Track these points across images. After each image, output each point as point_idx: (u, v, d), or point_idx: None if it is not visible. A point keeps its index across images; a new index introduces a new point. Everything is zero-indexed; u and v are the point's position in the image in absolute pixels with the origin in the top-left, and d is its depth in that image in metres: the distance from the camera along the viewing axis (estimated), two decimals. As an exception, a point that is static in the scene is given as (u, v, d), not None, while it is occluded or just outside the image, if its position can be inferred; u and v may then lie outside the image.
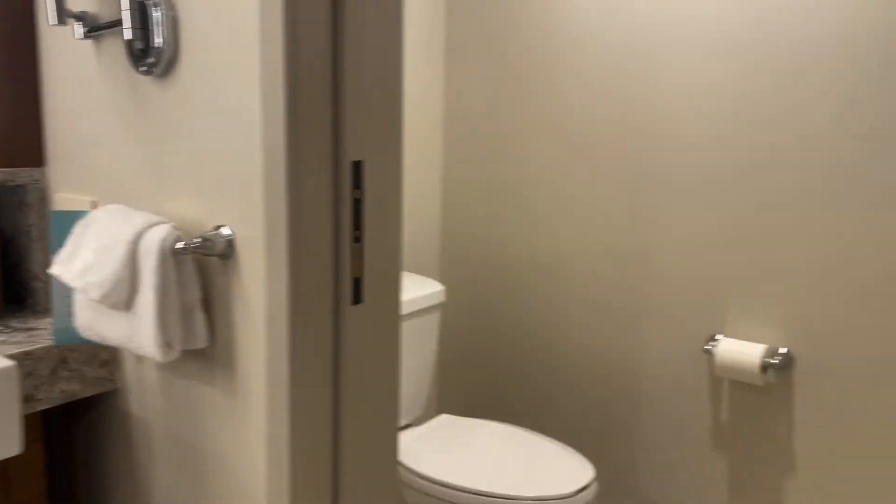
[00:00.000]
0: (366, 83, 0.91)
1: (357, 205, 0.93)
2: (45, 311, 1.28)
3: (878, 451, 1.56)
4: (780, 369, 1.69)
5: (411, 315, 1.83)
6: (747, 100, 1.63)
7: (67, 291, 1.08)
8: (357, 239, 0.93)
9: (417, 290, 1.87)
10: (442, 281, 2.29)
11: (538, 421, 2.12)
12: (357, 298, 0.94)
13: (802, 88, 1.56)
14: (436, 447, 1.73)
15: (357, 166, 0.91)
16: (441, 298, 1.92)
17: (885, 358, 1.54)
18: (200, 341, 1.00)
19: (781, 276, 1.66)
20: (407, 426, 1.90)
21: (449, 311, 2.29)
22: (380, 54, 0.92)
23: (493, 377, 2.21)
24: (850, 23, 1.48)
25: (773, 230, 1.65)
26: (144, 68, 1.01)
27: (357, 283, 0.94)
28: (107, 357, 1.17)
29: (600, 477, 2.01)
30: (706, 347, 1.77)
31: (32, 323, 1.22)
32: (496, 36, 2.04)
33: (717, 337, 1.77)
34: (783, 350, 1.69)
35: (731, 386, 1.78)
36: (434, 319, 1.93)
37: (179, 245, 0.96)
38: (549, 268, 2.02)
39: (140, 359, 1.12)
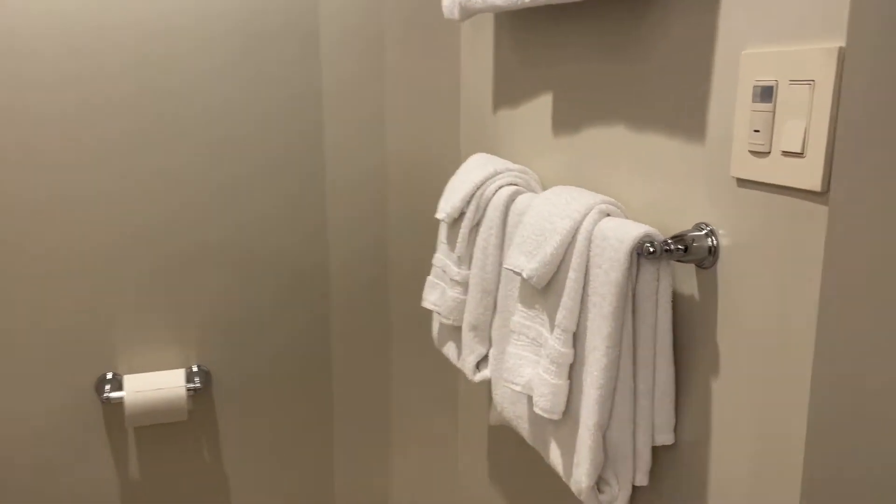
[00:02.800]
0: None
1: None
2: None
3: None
4: (198, 393, 1.48)
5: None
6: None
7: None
8: None
9: None
10: None
11: None
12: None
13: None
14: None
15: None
16: None
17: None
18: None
19: (154, 280, 1.46)
20: None
21: None
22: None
23: None
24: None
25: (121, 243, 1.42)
26: None
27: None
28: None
29: None
30: (106, 396, 1.39)
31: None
32: None
33: (111, 377, 1.43)
34: (196, 367, 1.49)
35: (142, 435, 1.48)
36: None
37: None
38: None
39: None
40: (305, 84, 1.49)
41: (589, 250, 0.91)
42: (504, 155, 1.39)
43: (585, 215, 0.93)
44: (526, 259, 0.98)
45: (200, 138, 1.45)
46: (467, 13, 1.24)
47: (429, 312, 1.66)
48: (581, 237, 0.92)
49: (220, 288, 1.51)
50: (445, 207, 1.24)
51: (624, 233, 0.85)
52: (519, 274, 0.98)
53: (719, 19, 0.81)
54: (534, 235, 0.98)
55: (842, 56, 0.65)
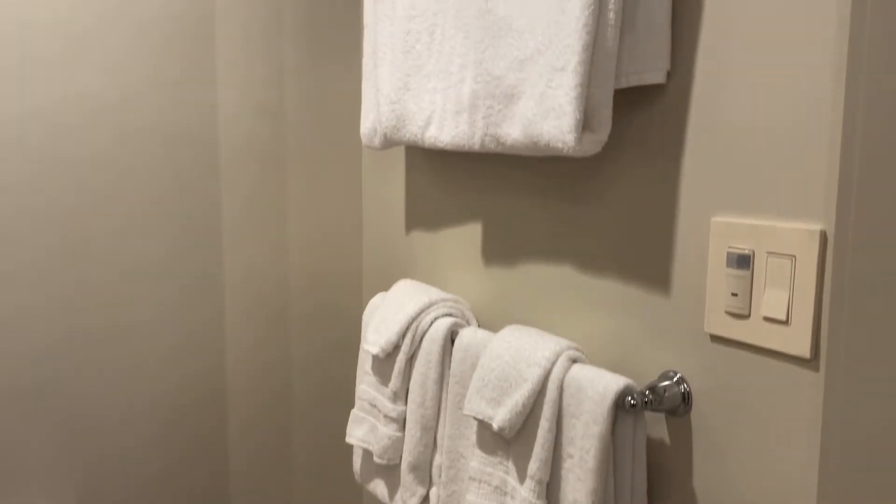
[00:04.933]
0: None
1: None
2: None
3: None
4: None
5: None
6: None
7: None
8: None
9: None
10: None
11: None
12: None
13: None
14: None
15: None
16: None
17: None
18: None
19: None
20: None
21: None
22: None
23: None
24: None
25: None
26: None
27: None
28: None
29: None
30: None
31: None
32: None
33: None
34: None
35: None
36: None
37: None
38: None
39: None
40: (206, 206, 1.39)
41: (561, 399, 0.91)
42: (421, 278, 1.37)
43: (554, 362, 0.93)
44: (489, 406, 0.96)
45: (99, 269, 1.29)
46: (391, 143, 1.23)
47: (339, 436, 1.57)
48: (552, 385, 0.92)
49: (112, 426, 1.33)
50: (378, 340, 1.19)
51: (604, 386, 0.86)
52: (487, 423, 0.96)
53: (682, 185, 0.86)
54: (497, 381, 0.97)
55: (824, 238, 0.72)
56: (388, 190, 1.47)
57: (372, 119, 1.26)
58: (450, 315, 1.17)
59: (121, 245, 1.32)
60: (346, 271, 1.56)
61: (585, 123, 0.87)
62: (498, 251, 1.18)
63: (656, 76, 0.86)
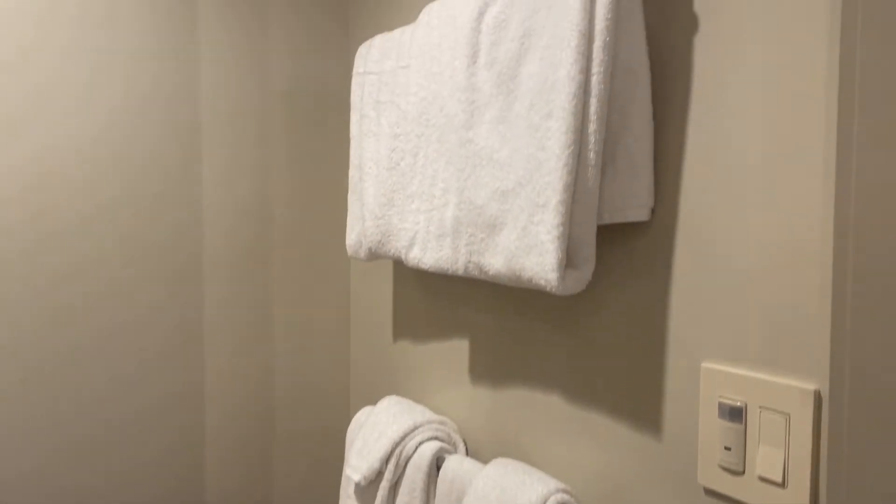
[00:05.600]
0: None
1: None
2: None
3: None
4: None
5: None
6: None
7: None
8: None
9: None
10: None
11: None
12: None
13: None
14: None
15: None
16: None
17: None
18: None
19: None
20: None
21: None
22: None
23: None
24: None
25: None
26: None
27: None
28: None
29: None
30: None
31: None
32: None
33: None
34: None
35: None
36: None
37: None
38: None
39: None
40: (186, 314, 1.36)
41: (549, 548, 0.86)
42: (408, 393, 1.33)
43: (541, 507, 0.88)
44: (474, 551, 0.91)
45: (79, 377, 1.25)
46: (375, 257, 1.21)
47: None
48: (539, 532, 0.87)
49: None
50: (361, 466, 1.14)
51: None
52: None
53: (670, 325, 0.83)
54: (481, 524, 0.91)
55: (818, 399, 0.68)
56: (375, 299, 1.44)
57: (357, 231, 1.24)
58: (436, 438, 1.13)
59: (97, 353, 1.28)
60: (332, 381, 1.52)
61: (568, 261, 0.84)
62: (486, 371, 1.14)
63: (640, 213, 0.84)
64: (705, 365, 0.79)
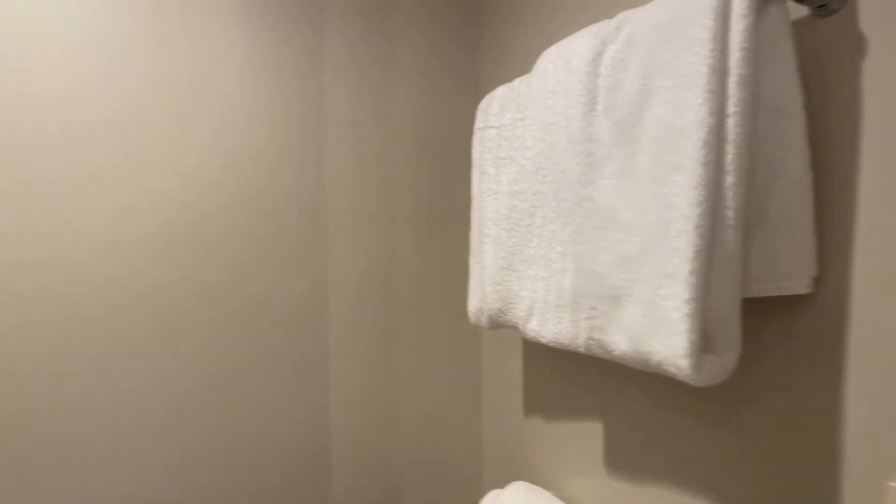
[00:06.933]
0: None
1: None
2: None
3: None
4: None
5: None
6: None
7: None
8: None
9: None
10: None
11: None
12: None
13: None
14: None
15: None
16: None
17: None
18: None
19: None
20: None
21: None
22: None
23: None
24: None
25: None
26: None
27: None
28: None
29: None
30: None
31: None
32: None
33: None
34: None
35: None
36: None
37: None
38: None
39: None
40: (314, 381, 1.32)
41: None
42: (538, 477, 1.19)
43: None
44: None
45: (205, 424, 1.25)
46: (497, 325, 1.10)
47: None
48: None
49: None
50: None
51: None
52: None
53: (844, 429, 0.65)
54: None
55: None
56: (506, 369, 1.33)
57: (478, 298, 1.14)
58: (563, 537, 0.98)
59: (220, 444, 1.27)
60: (463, 458, 1.41)
61: (706, 344, 0.69)
62: (623, 462, 0.98)
63: (799, 284, 0.67)
64: (893, 484, 0.59)
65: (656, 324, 0.71)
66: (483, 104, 1.17)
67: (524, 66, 1.26)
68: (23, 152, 1.11)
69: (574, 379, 1.11)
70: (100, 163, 1.16)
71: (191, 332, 1.23)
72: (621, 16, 0.81)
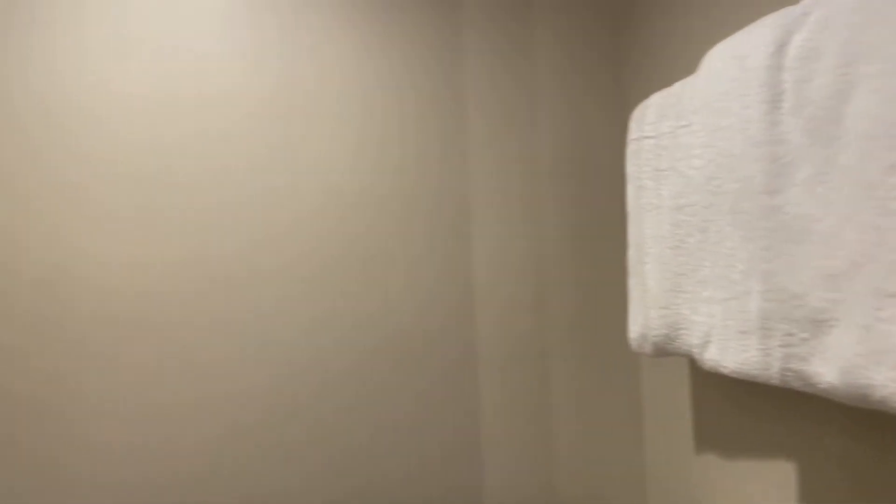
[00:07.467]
0: None
1: None
2: None
3: None
4: None
5: None
6: None
7: None
8: None
9: None
10: None
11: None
12: None
13: None
14: None
15: None
16: None
17: None
18: None
19: None
20: None
21: None
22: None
23: None
24: None
25: None
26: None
27: None
28: None
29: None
30: None
31: None
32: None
33: None
34: None
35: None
36: None
37: None
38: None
39: None
40: (459, 423, 1.27)
41: None
42: (718, 517, 1.07)
43: None
44: None
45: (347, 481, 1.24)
46: (663, 353, 1.01)
47: None
48: None
49: None
50: None
51: None
52: None
53: None
54: None
55: None
56: (671, 399, 1.22)
57: (641, 323, 1.05)
58: None
59: (371, 452, 1.25)
60: (623, 497, 1.31)
61: (946, 376, 0.57)
62: (821, 508, 0.85)
63: None
64: None
65: (877, 351, 0.60)
66: (636, 113, 1.09)
67: (675, 72, 1.17)
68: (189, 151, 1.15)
69: (755, 410, 0.99)
70: (248, 192, 1.19)
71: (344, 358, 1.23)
72: (808, 0, 0.71)
